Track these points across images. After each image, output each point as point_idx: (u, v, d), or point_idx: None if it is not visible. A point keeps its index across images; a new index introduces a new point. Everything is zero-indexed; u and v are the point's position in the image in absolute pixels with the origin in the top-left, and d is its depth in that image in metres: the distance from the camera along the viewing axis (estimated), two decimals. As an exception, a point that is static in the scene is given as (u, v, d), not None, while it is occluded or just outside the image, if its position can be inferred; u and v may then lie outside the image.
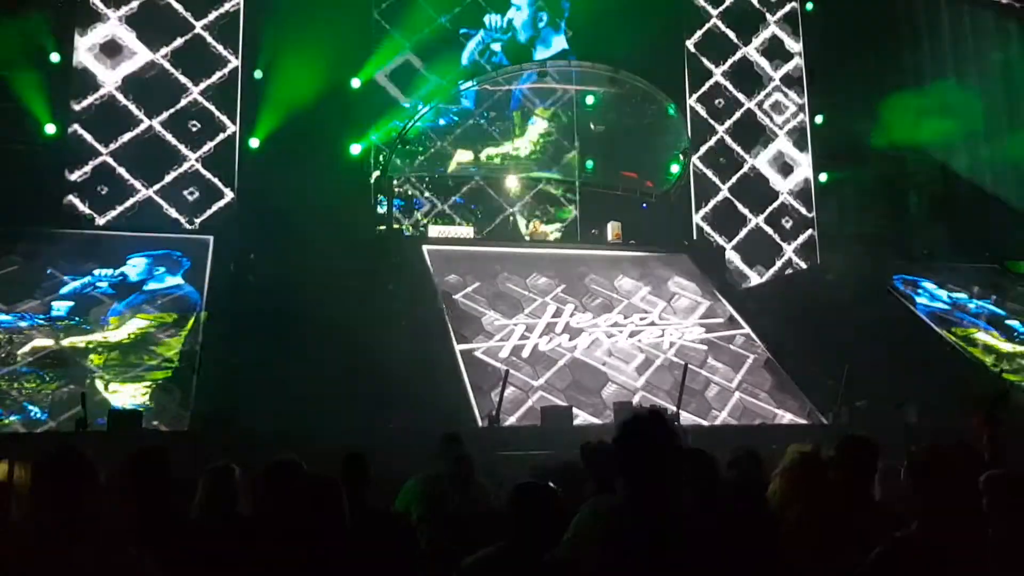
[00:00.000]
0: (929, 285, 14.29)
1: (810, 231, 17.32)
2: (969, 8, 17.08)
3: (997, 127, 16.92)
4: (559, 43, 16.58)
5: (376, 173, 14.83)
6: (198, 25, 14.64)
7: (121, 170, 13.87)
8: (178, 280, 11.66)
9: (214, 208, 14.28)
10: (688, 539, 2.41)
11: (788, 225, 17.17)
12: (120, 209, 13.78)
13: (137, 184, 13.91)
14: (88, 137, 13.78)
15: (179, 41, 14.50)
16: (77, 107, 13.79)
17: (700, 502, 3.19)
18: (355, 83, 15.04)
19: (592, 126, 16.04)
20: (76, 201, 13.59)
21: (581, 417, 9.78)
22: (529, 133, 16.11)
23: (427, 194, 15.71)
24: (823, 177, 17.37)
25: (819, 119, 17.47)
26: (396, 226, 14.53)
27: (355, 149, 14.79)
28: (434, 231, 13.89)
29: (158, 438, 8.31)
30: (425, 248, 13.03)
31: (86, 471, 2.86)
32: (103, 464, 3.69)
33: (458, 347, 10.94)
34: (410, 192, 15.65)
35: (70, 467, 2.80)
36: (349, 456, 4.29)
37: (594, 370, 11.04)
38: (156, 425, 9.20)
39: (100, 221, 13.62)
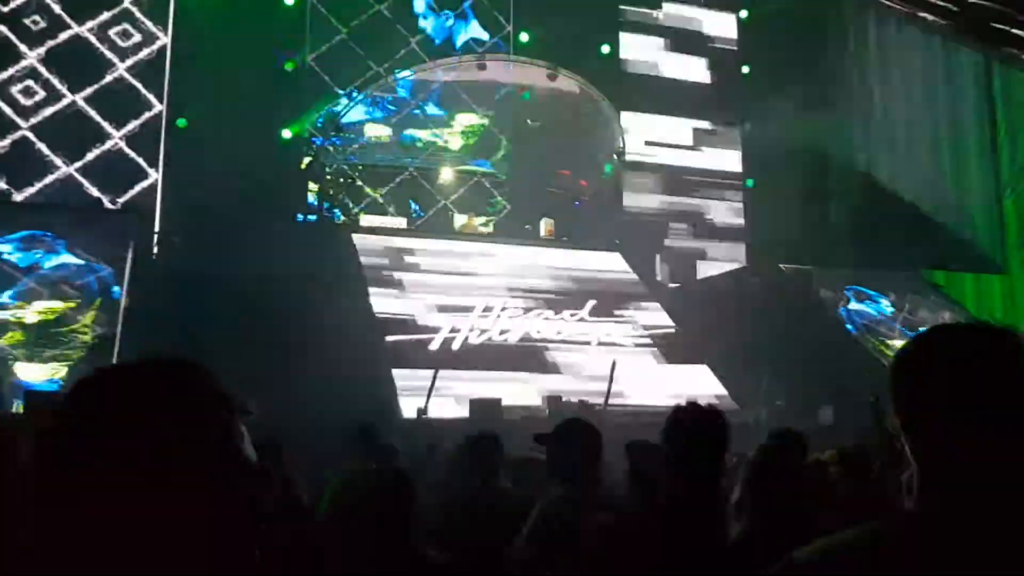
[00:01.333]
0: (853, 293, 14.73)
1: (737, 235, 17.68)
2: (896, 22, 17.64)
3: (918, 139, 17.53)
4: (474, 30, 16.58)
5: (308, 160, 14.61)
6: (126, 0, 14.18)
7: (41, 145, 13.35)
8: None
9: (137, 188, 13.85)
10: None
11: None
12: (39, 186, 13.26)
13: (58, 160, 13.41)
14: (8, 111, 13.22)
15: (106, 15, 14.00)
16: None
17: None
18: (287, 66, 14.78)
19: (528, 121, 16.08)
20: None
21: (510, 411, 9.79)
22: (457, 124, 16.05)
23: (360, 183, 15.52)
24: (750, 182, 17.75)
25: (747, 126, 17.85)
26: (326, 214, 14.34)
27: (286, 134, 14.53)
28: (366, 221, 13.75)
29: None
30: (355, 237, 12.89)
31: (3, 444, 2.74)
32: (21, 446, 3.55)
33: (387, 339, 10.86)
34: (343, 180, 15.44)
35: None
36: (262, 445, 4.21)
37: (525, 363, 11.07)
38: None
39: (18, 197, 13.09)
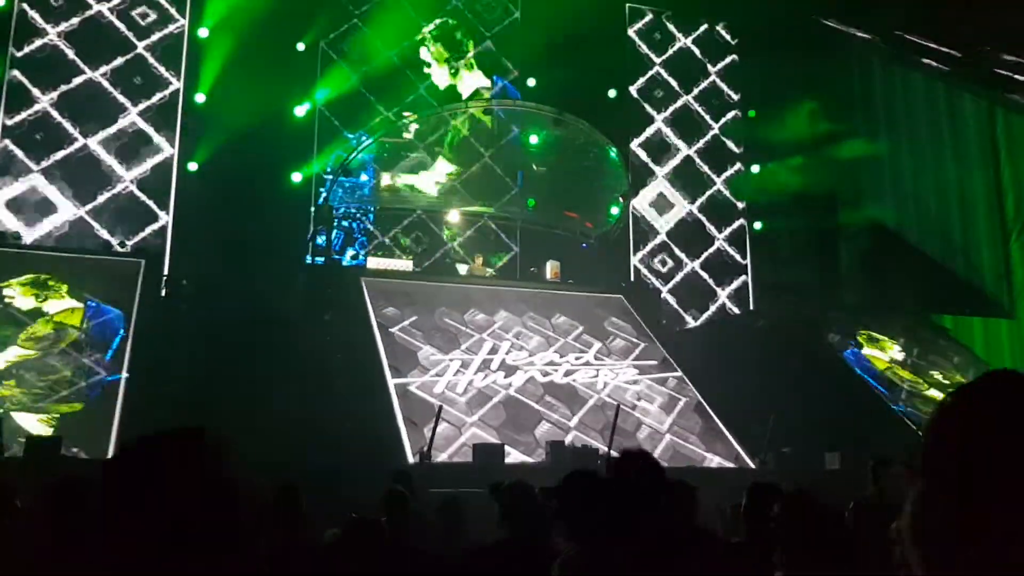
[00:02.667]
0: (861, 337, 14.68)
1: (744, 277, 17.70)
2: (901, 69, 17.80)
3: (924, 183, 17.58)
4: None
5: (322, 199, 14.76)
6: (140, 45, 14.44)
7: (52, 188, 13.53)
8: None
9: (147, 231, 13.99)
10: None
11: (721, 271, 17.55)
12: (49, 228, 13.42)
13: (68, 203, 13.58)
14: (19, 153, 13.43)
15: (120, 60, 14.26)
16: (9, 121, 13.45)
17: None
18: (299, 111, 15.00)
19: (535, 167, 16.24)
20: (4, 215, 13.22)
21: (513, 455, 9.76)
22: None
23: (368, 226, 15.66)
24: (757, 225, 17.82)
25: (755, 169, 17.96)
26: (335, 257, 14.44)
27: (296, 177, 14.72)
28: (373, 263, 13.83)
29: (78, 466, 8.03)
30: (363, 280, 12.95)
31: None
32: (21, 492, 3.58)
33: (392, 381, 10.86)
34: (350, 224, 15.57)
35: None
36: (282, 488, 4.26)
37: (528, 408, 11.04)
38: (76, 452, 8.89)
39: (28, 239, 13.24)
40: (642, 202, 17.30)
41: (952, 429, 1.02)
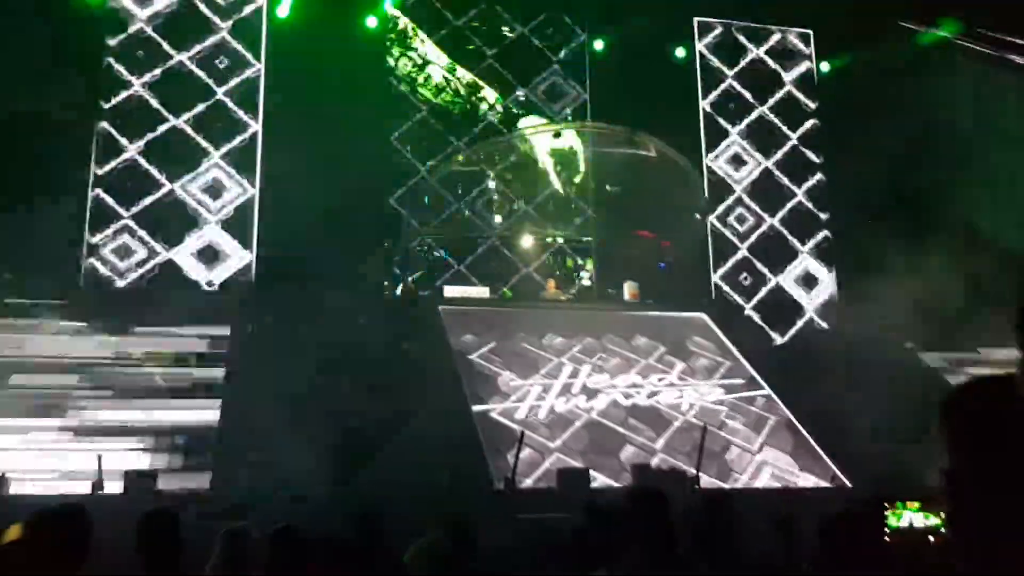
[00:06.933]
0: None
1: (831, 292, 17.16)
2: (984, 66, 17.09)
3: (1021, 187, 16.76)
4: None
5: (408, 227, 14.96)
6: (220, 91, 14.91)
7: (142, 232, 14.02)
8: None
9: (234, 268, 14.35)
10: None
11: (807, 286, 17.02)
12: (141, 272, 13.90)
13: (158, 247, 14.05)
14: (109, 200, 13.98)
15: (201, 107, 14.74)
16: (99, 171, 14.03)
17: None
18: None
19: (608, 188, 16.12)
20: (97, 264, 13.76)
21: (599, 480, 9.59)
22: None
23: (442, 254, 15.75)
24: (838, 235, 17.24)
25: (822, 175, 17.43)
26: (412, 286, 14.53)
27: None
28: (450, 292, 13.87)
29: (174, 499, 8.21)
30: (440, 308, 13.00)
31: (79, 526, 2.82)
32: (118, 525, 3.66)
33: (474, 408, 10.82)
34: (428, 254, 15.70)
35: (61, 521, 2.78)
36: (364, 514, 4.33)
37: (612, 432, 10.85)
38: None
39: (120, 283, 13.74)
40: (721, 217, 16.98)
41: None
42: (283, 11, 15.10)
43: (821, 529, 2.60)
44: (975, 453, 1.17)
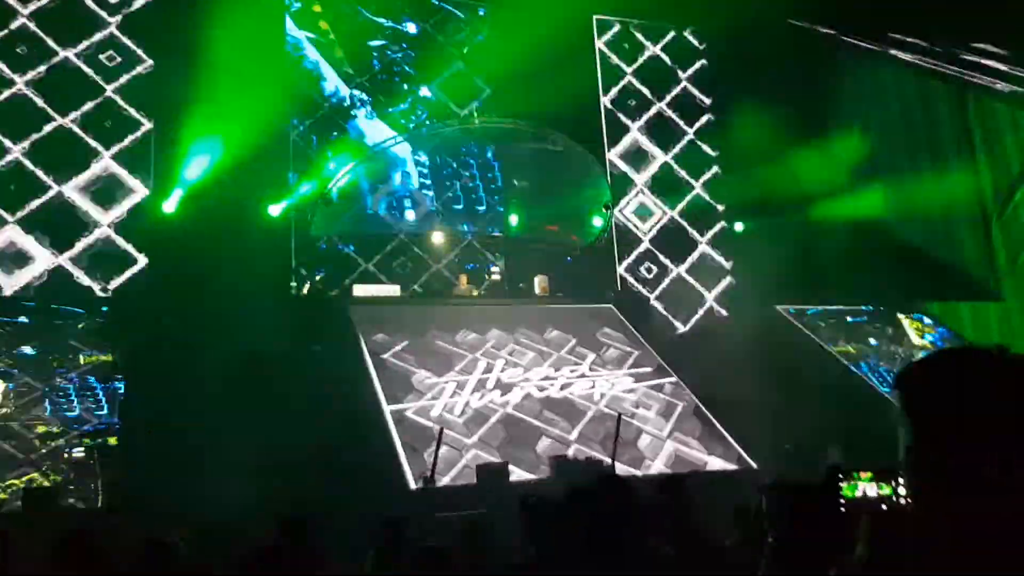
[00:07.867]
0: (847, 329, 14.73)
1: (729, 279, 17.69)
2: (869, 59, 17.92)
3: (898, 174, 17.67)
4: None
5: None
6: (109, 88, 14.30)
7: (28, 237, 13.33)
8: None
9: (127, 274, 13.79)
10: None
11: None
12: (29, 277, 13.21)
13: (47, 252, 13.37)
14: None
15: (89, 105, 14.10)
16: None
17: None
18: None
19: (515, 182, 16.20)
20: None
21: (516, 473, 9.66)
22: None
23: (351, 252, 15.50)
24: (739, 227, 17.78)
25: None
26: (319, 286, 14.27)
27: (274, 210, 14.54)
28: (359, 290, 13.68)
29: (77, 517, 7.88)
30: (350, 308, 12.83)
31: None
32: (19, 545, 3.49)
33: (388, 407, 10.74)
34: (333, 251, 15.43)
35: None
36: (288, 522, 4.24)
37: (527, 425, 10.95)
38: (72, 503, 8.72)
39: (8, 291, 13.02)
40: (624, 211, 17.29)
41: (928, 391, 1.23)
42: None
43: (780, 504, 2.69)
44: (936, 427, 1.23)
